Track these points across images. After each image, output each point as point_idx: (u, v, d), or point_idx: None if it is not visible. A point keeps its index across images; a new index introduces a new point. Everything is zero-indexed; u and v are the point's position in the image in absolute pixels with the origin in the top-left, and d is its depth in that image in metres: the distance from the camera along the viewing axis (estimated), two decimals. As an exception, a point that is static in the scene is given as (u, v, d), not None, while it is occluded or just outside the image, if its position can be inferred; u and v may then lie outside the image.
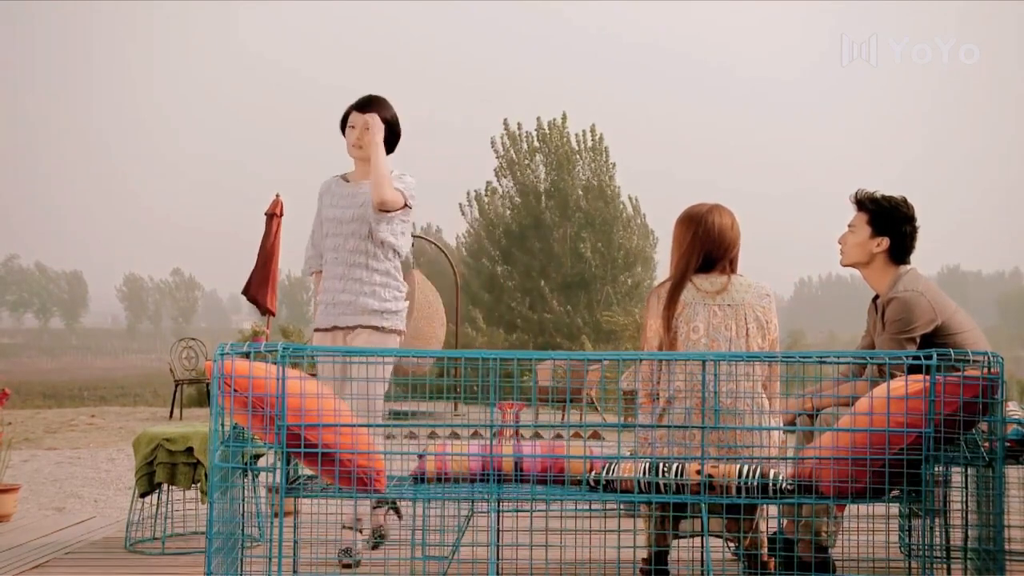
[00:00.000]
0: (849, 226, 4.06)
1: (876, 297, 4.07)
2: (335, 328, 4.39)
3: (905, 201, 4.00)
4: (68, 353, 78.71)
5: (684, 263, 3.70)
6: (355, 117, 4.43)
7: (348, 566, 4.00)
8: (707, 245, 3.69)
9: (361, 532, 4.21)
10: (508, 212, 30.78)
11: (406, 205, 4.39)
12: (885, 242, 3.96)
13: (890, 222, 3.96)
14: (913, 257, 4.03)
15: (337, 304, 4.37)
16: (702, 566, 3.54)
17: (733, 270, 3.74)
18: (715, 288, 3.64)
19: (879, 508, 3.82)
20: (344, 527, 4.14)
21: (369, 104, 4.44)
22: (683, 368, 3.51)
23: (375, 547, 4.22)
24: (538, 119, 30.47)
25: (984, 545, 3.36)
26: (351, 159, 4.53)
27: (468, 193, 31.19)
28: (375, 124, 4.35)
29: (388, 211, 4.31)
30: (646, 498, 3.33)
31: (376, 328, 4.33)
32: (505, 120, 30.52)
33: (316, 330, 4.46)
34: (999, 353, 3.31)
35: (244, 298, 11.35)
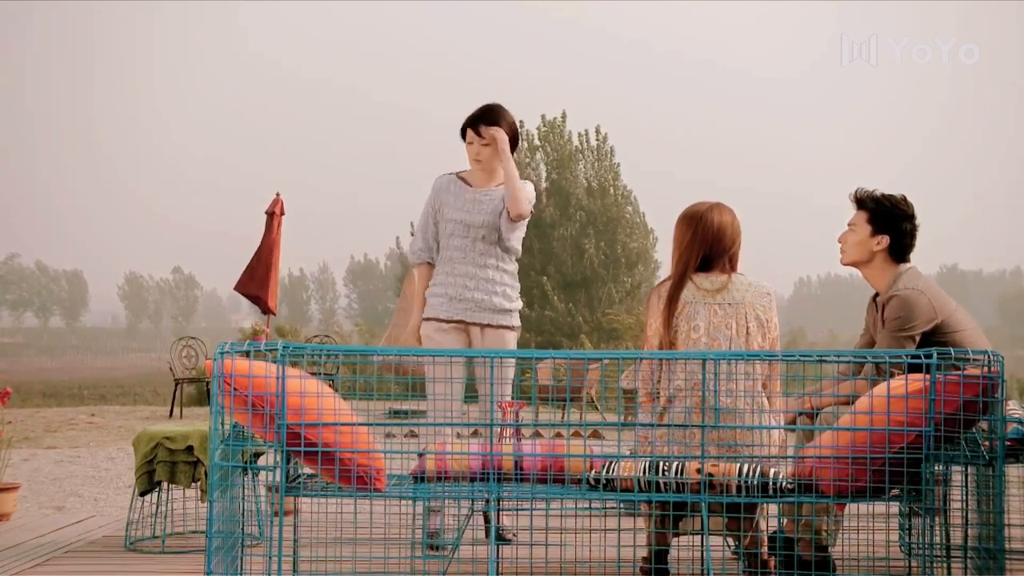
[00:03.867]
0: (849, 225, 4.07)
1: (876, 295, 4.08)
2: (460, 322, 4.58)
3: (904, 199, 4.01)
4: (68, 352, 78.70)
5: (684, 262, 3.70)
6: (471, 135, 4.61)
7: (435, 548, 4.24)
8: (707, 243, 3.69)
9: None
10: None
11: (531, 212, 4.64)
12: (885, 240, 3.97)
13: (890, 220, 3.97)
14: (913, 256, 4.04)
15: (464, 300, 4.57)
16: (702, 565, 3.54)
17: (733, 268, 3.74)
18: (715, 287, 3.64)
19: (879, 507, 3.82)
20: (432, 510, 4.36)
21: (485, 117, 4.59)
22: (683, 367, 3.51)
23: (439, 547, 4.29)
24: (543, 116, 30.46)
25: (984, 544, 3.36)
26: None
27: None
28: (501, 138, 4.54)
29: (523, 220, 4.59)
30: (646, 497, 3.33)
31: (508, 327, 4.63)
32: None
33: (433, 319, 4.61)
34: (999, 352, 3.31)
35: (244, 297, 11.36)
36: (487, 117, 4.60)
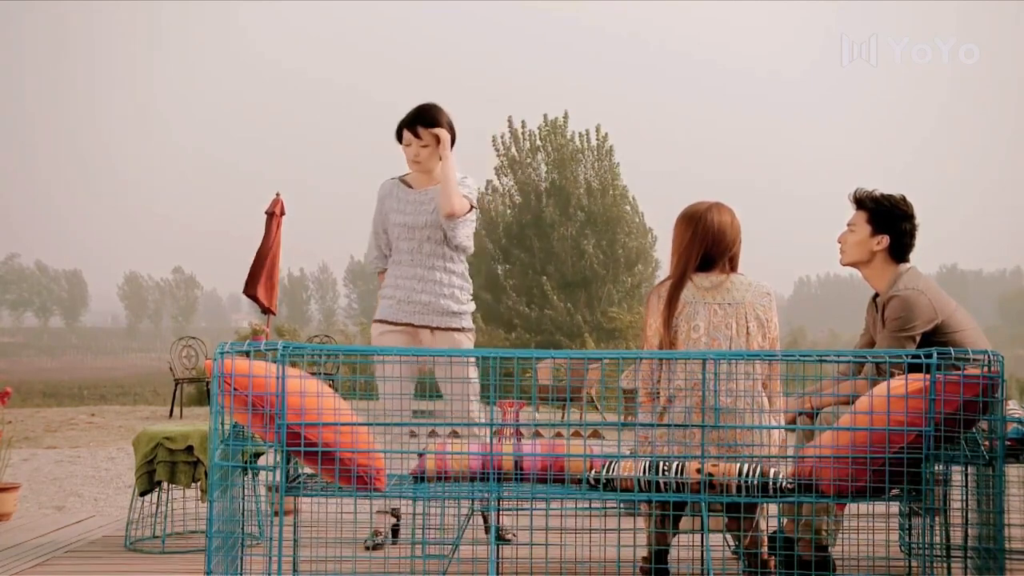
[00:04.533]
0: (848, 225, 4.06)
1: (875, 295, 4.07)
2: (409, 325, 4.53)
3: (904, 199, 4.01)
4: (68, 352, 78.69)
5: (683, 261, 3.69)
6: (407, 136, 4.54)
7: (379, 547, 4.20)
8: (706, 243, 3.69)
9: (396, 516, 4.39)
10: (508, 211, 30.78)
11: (472, 207, 4.58)
12: (885, 240, 3.96)
13: (889, 220, 3.97)
14: (913, 256, 4.04)
15: (413, 303, 4.52)
16: (702, 565, 3.54)
17: (733, 268, 3.74)
18: (715, 287, 3.63)
19: (879, 507, 3.82)
20: (378, 511, 4.32)
21: (423, 117, 4.53)
22: (683, 367, 3.51)
23: (375, 547, 4.23)
24: (545, 116, 30.47)
25: (984, 544, 3.36)
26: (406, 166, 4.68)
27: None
28: (444, 137, 4.50)
29: (457, 218, 4.49)
30: (646, 497, 3.33)
31: (459, 330, 4.55)
32: (509, 118, 30.54)
33: (382, 322, 4.59)
34: (999, 352, 3.30)
35: (244, 297, 11.36)
36: (425, 118, 4.53)
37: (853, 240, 4.03)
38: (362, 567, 3.95)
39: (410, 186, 4.64)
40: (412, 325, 4.54)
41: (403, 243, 4.59)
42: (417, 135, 4.52)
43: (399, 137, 4.60)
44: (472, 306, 4.66)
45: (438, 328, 4.52)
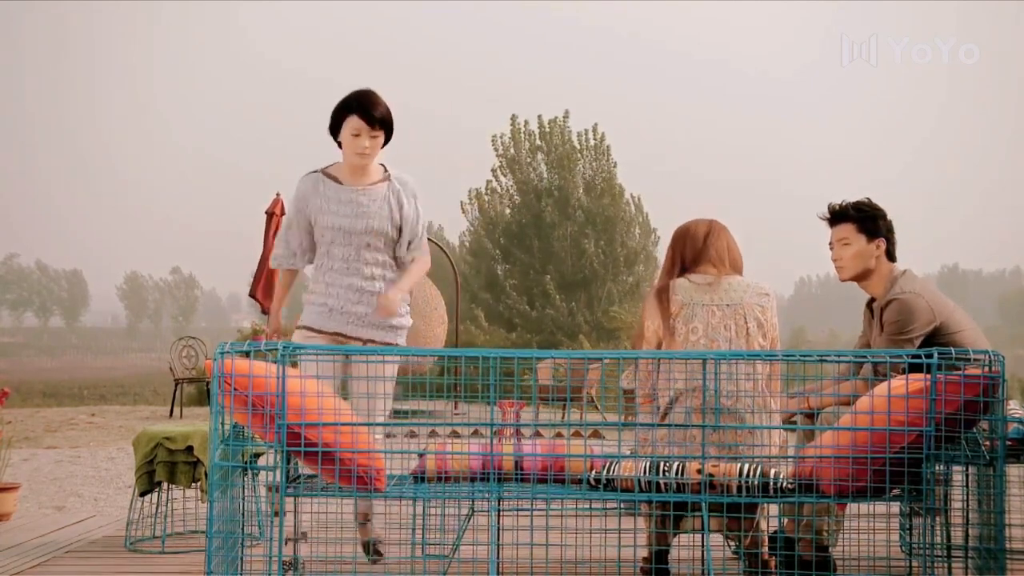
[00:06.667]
0: (839, 241, 4.02)
1: (871, 300, 4.06)
2: (338, 335, 4.21)
3: (870, 200, 4.03)
4: (68, 352, 78.70)
5: (665, 273, 3.78)
6: (359, 124, 4.10)
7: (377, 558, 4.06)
8: (678, 249, 3.77)
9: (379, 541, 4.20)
10: (508, 211, 30.79)
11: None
12: (883, 243, 3.97)
13: (876, 223, 3.97)
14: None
15: (347, 314, 4.19)
16: (703, 565, 3.54)
17: (724, 266, 3.72)
18: (713, 290, 3.62)
19: (880, 507, 3.82)
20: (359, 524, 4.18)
21: (379, 106, 4.11)
22: (683, 369, 3.50)
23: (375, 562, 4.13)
24: (539, 117, 30.48)
25: (985, 544, 3.36)
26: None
27: (469, 191, 31.20)
28: (395, 301, 4.21)
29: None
30: (646, 497, 3.33)
31: (393, 344, 4.27)
32: (513, 116, 30.53)
33: (308, 329, 4.24)
34: (999, 352, 3.30)
35: (244, 297, 11.37)
36: (380, 107, 4.10)
37: (851, 253, 3.99)
38: (362, 567, 3.95)
39: (338, 182, 4.21)
40: (343, 335, 4.20)
41: (337, 248, 4.20)
42: (372, 125, 4.09)
43: (339, 122, 4.14)
44: (409, 321, 4.33)
45: (372, 341, 4.20)
